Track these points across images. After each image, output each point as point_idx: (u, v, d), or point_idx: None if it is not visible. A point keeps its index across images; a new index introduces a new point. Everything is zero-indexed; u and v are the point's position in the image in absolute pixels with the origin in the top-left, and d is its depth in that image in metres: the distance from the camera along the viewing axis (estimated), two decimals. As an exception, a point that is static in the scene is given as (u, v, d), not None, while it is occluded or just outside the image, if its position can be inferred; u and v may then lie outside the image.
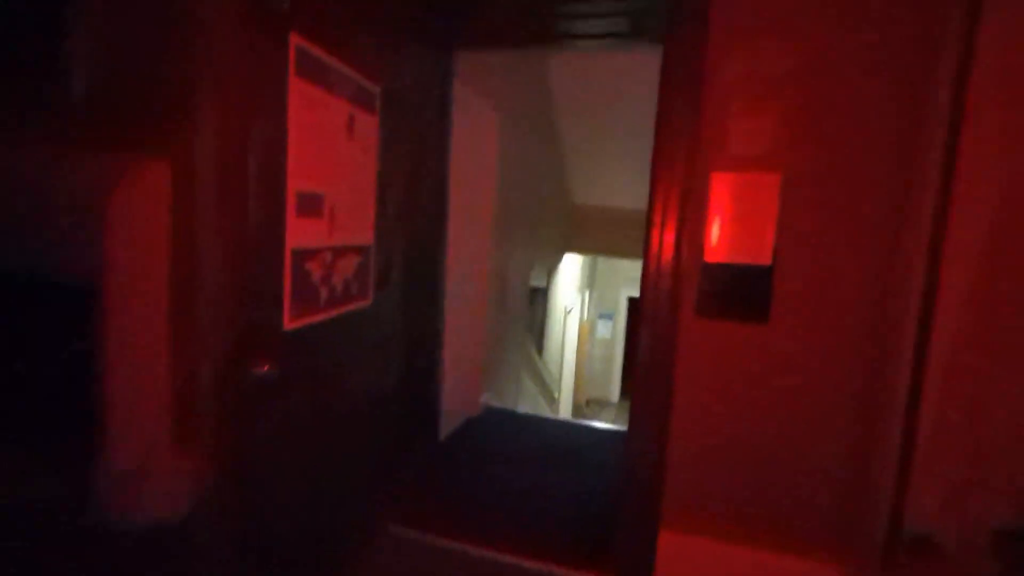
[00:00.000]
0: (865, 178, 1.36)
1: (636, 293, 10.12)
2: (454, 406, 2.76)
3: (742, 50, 1.42)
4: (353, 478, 1.65)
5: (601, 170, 5.60)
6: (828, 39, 1.36)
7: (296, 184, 1.19)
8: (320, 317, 1.33)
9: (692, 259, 1.49)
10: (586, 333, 9.78)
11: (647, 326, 1.57)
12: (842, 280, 1.39)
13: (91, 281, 1.25)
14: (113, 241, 1.23)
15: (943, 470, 1.22)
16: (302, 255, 1.23)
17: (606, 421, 9.22)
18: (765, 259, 1.44)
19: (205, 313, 1.06)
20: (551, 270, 6.44)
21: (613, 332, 10.67)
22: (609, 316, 10.67)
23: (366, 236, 1.54)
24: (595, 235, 6.49)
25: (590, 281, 10.08)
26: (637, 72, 3.61)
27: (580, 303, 9.08)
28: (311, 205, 1.26)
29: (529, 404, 5.16)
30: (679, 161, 1.51)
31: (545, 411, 5.77)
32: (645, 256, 1.58)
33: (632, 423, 1.65)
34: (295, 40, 1.15)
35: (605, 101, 4.45)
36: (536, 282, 5.55)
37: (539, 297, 6.11)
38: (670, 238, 1.53)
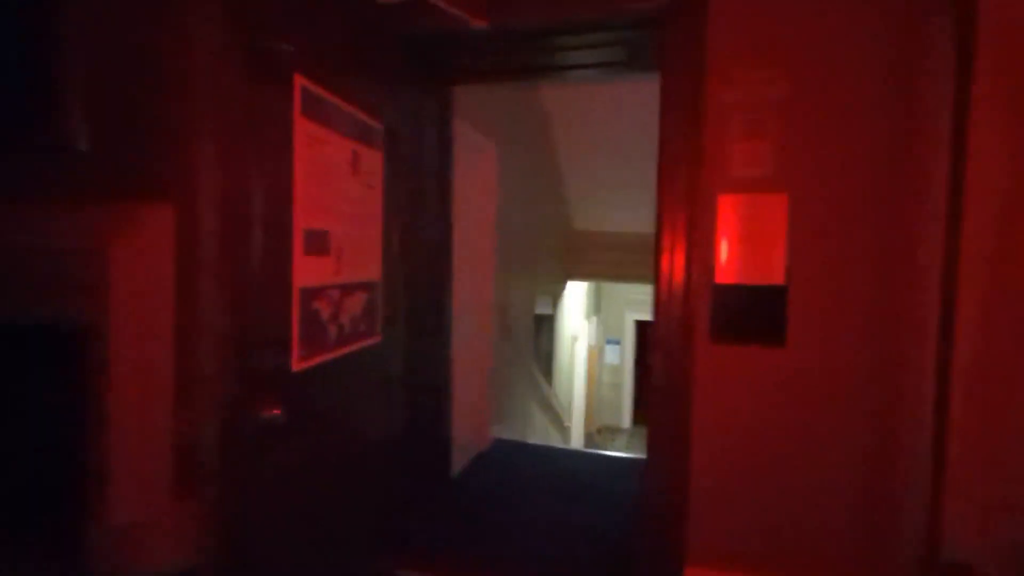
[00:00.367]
0: (874, 195, 1.35)
1: (642, 316, 10.12)
2: (464, 441, 2.71)
3: (740, 76, 1.43)
4: (362, 522, 1.60)
5: (601, 195, 5.63)
6: (824, 64, 1.37)
7: (303, 222, 1.19)
8: (328, 357, 1.31)
9: (703, 282, 1.47)
10: (594, 359, 9.69)
11: (661, 352, 1.54)
12: (858, 298, 1.36)
13: (94, 328, 1.23)
14: (117, 288, 1.22)
15: (976, 491, 1.17)
16: (310, 294, 1.22)
17: (619, 448, 9.05)
18: (778, 279, 1.42)
19: (211, 359, 1.03)
20: (556, 297, 6.42)
21: (621, 357, 10.57)
22: (616, 341, 10.59)
23: (373, 272, 1.53)
24: (597, 260, 6.49)
25: (596, 307, 10.05)
26: (634, 97, 3.67)
27: (587, 329, 9.03)
28: (318, 243, 1.25)
29: (539, 434, 5.07)
30: (684, 185, 1.51)
31: (556, 441, 5.66)
32: (656, 281, 1.56)
33: (650, 453, 1.60)
34: (299, 81, 1.16)
35: (603, 127, 4.51)
36: (541, 310, 5.53)
37: (545, 325, 6.07)
38: (680, 262, 1.51)
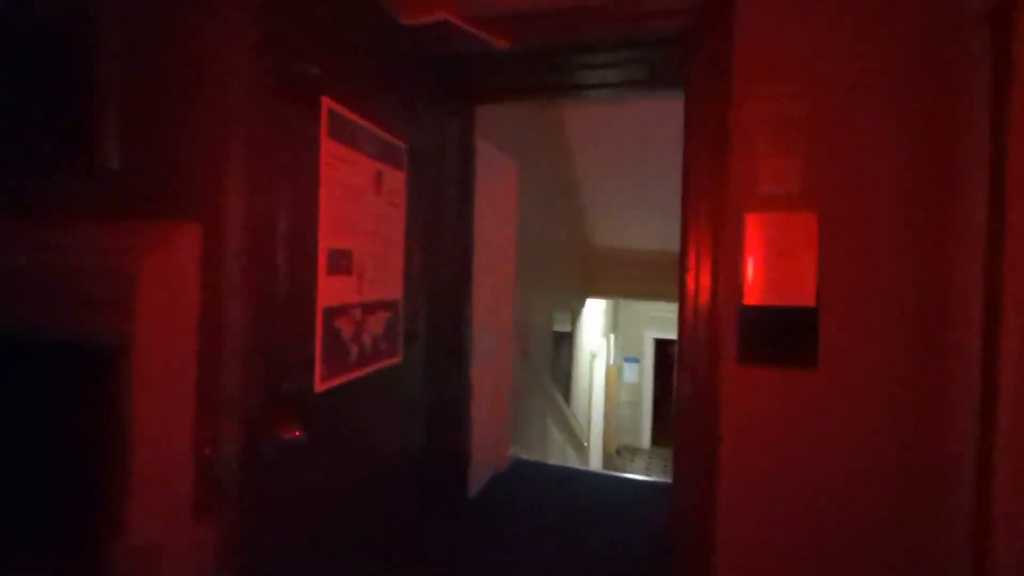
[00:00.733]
0: (908, 211, 1.31)
1: (662, 335, 9.97)
2: (482, 460, 2.67)
3: (766, 92, 1.41)
4: (380, 543, 1.57)
5: (620, 212, 5.62)
6: (853, 78, 1.35)
7: (327, 241, 1.19)
8: (351, 376, 1.30)
9: (730, 302, 1.44)
10: (613, 377, 9.56)
11: (686, 374, 1.50)
12: (895, 319, 1.31)
13: (121, 346, 1.24)
14: (144, 305, 1.23)
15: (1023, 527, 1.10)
16: (333, 313, 1.22)
17: (638, 469, 8.87)
18: (808, 300, 1.38)
19: (234, 378, 1.03)
20: (575, 314, 6.38)
21: (640, 376, 10.42)
22: (635, 359, 10.45)
23: (395, 291, 1.53)
24: (616, 277, 6.44)
25: (614, 324, 9.96)
26: (656, 115, 3.67)
27: (605, 347, 8.94)
28: (341, 262, 1.25)
29: (558, 454, 4.99)
30: (709, 204, 1.48)
31: (575, 461, 5.57)
32: (680, 301, 1.53)
33: (675, 479, 1.56)
34: (326, 103, 1.17)
35: (623, 144, 4.51)
36: (560, 327, 5.49)
37: (563, 342, 6.02)
38: (705, 281, 1.48)
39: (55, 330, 1.36)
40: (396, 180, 1.52)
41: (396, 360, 1.55)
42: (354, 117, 1.28)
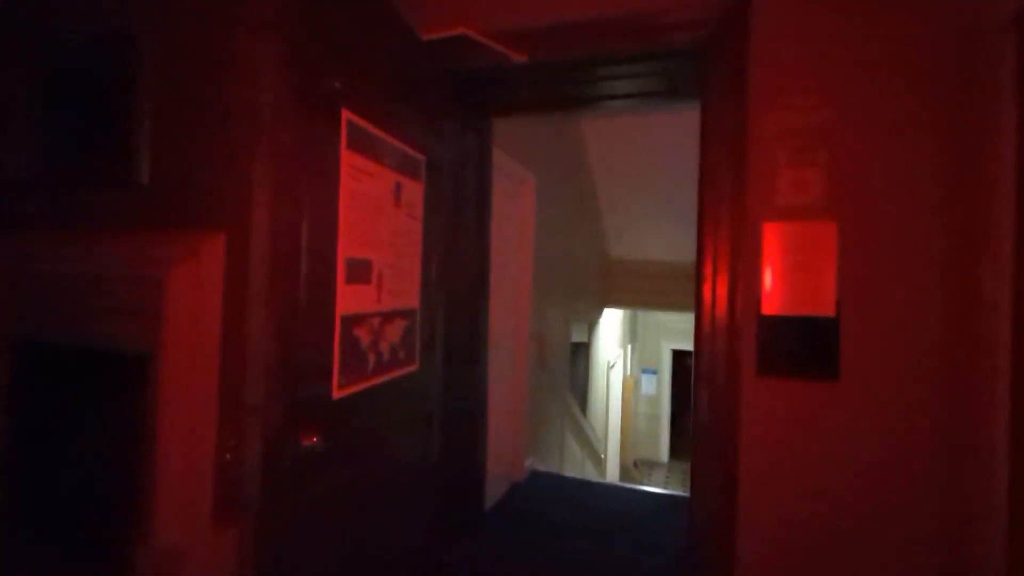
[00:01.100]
0: (933, 220, 1.29)
1: (680, 346, 9.85)
2: (498, 472, 2.66)
3: (785, 102, 1.41)
4: (395, 553, 1.58)
5: (638, 223, 5.60)
6: (874, 88, 1.34)
7: (346, 251, 1.21)
8: (368, 384, 1.31)
9: (748, 313, 1.42)
10: (630, 389, 9.46)
11: (705, 386, 1.49)
12: (919, 330, 1.29)
13: (149, 354, 1.28)
14: (170, 315, 1.27)
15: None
16: (351, 321, 1.24)
17: (656, 483, 8.73)
18: (828, 310, 1.36)
19: (255, 385, 1.05)
20: (591, 325, 6.35)
21: (658, 388, 10.30)
22: (653, 371, 10.34)
23: (412, 300, 1.54)
24: (633, 288, 6.41)
25: (631, 335, 9.87)
26: (673, 126, 3.67)
27: (622, 358, 8.86)
28: (360, 271, 1.27)
29: (575, 467, 4.95)
30: (726, 213, 1.48)
31: (592, 474, 5.51)
32: (697, 311, 1.52)
33: (694, 493, 1.53)
34: (346, 116, 1.20)
35: (640, 156, 4.51)
36: (577, 338, 5.46)
37: (580, 353, 5.99)
38: (723, 291, 1.47)
39: (85, 337, 1.40)
40: (415, 191, 1.54)
41: (413, 369, 1.56)
42: (374, 130, 1.31)
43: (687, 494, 1.70)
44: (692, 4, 1.51)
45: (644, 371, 10.38)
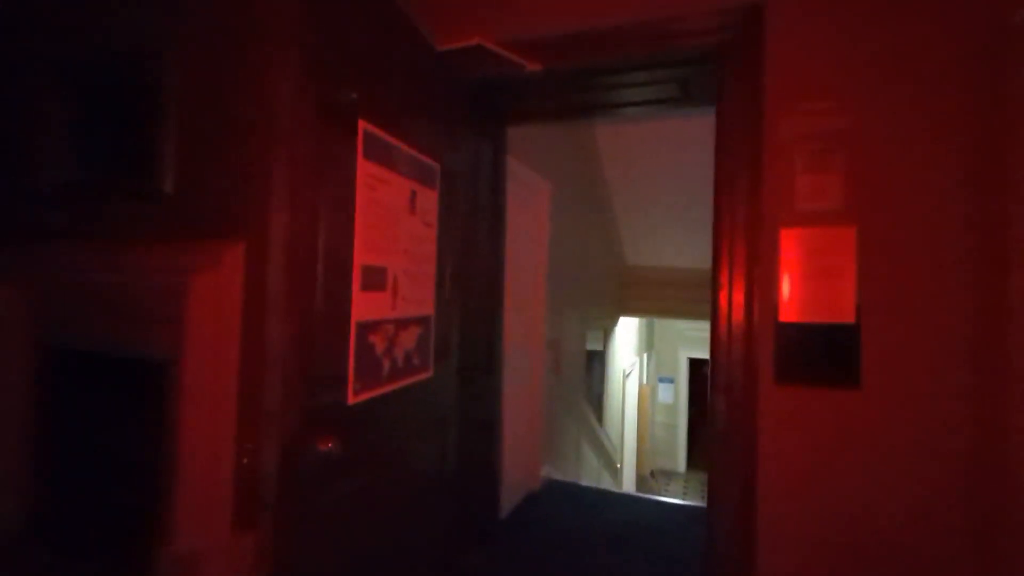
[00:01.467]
0: (954, 225, 1.26)
1: (696, 354, 9.74)
2: (514, 480, 2.65)
3: (802, 107, 1.39)
4: (410, 560, 1.58)
5: (654, 230, 5.57)
6: (894, 90, 1.32)
7: (362, 259, 1.23)
8: (383, 390, 1.32)
9: (765, 320, 1.40)
10: (646, 398, 9.37)
11: (722, 395, 1.47)
12: (944, 336, 1.26)
13: (172, 360, 1.31)
14: (192, 322, 1.29)
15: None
16: (366, 328, 1.25)
17: (674, 493, 8.60)
18: (848, 317, 1.34)
19: (273, 390, 1.07)
20: (607, 333, 6.31)
21: (675, 396, 10.17)
22: (670, 379, 10.22)
23: (427, 307, 1.55)
24: (650, 296, 6.36)
25: (648, 343, 9.78)
26: (689, 132, 3.65)
27: (639, 366, 8.78)
28: (375, 278, 1.29)
29: (591, 476, 4.90)
30: (742, 220, 1.46)
31: (608, 483, 5.45)
32: (714, 318, 1.50)
33: (712, 504, 1.51)
34: (363, 126, 1.22)
35: (656, 162, 4.49)
36: (592, 345, 5.43)
37: (596, 361, 5.95)
38: (739, 298, 1.45)
39: (111, 344, 1.44)
40: (429, 199, 1.56)
41: (427, 375, 1.57)
42: (389, 139, 1.33)
43: (705, 505, 1.68)
44: (706, 11, 1.51)
45: (661, 379, 10.27)
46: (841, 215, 1.35)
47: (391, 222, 1.35)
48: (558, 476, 3.51)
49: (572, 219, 4.14)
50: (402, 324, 1.41)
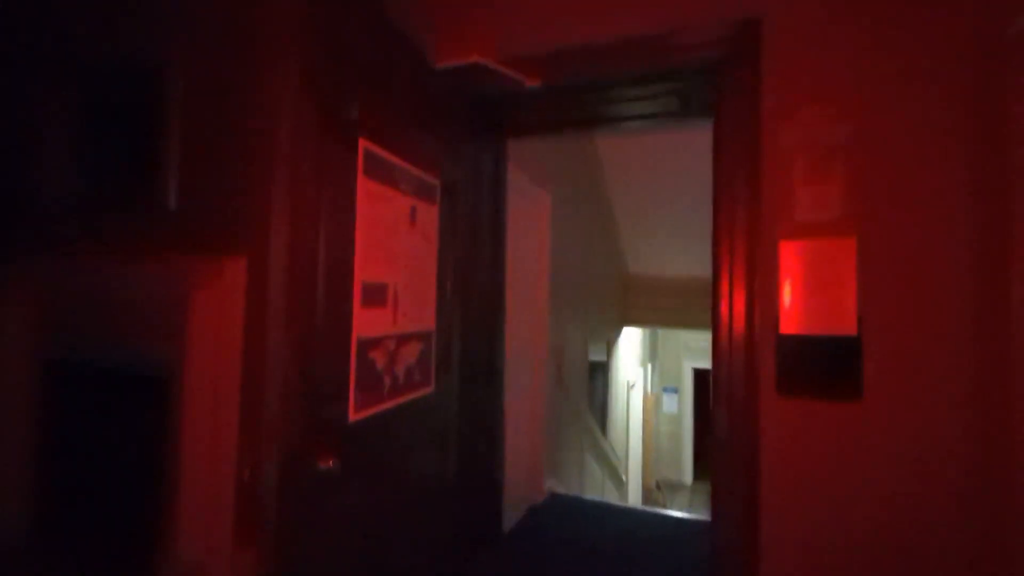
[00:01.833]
0: (956, 235, 1.26)
1: (701, 364, 9.70)
2: (517, 494, 2.63)
3: (800, 119, 1.40)
4: (415, 575, 1.57)
5: (656, 239, 5.57)
6: (892, 101, 1.33)
7: (362, 275, 1.24)
8: (384, 407, 1.32)
9: (766, 332, 1.40)
10: (651, 408, 9.31)
11: (724, 407, 1.46)
12: (944, 347, 1.25)
13: (173, 374, 1.31)
14: (194, 336, 1.30)
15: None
16: (367, 344, 1.25)
17: (680, 505, 8.52)
18: (849, 329, 1.33)
19: (273, 407, 1.07)
20: (610, 343, 6.29)
21: (680, 407, 10.11)
22: (674, 390, 10.17)
23: (428, 322, 1.56)
24: (653, 306, 6.35)
25: (652, 353, 9.75)
26: (690, 143, 3.67)
27: (643, 376, 8.74)
28: (376, 295, 1.29)
29: (595, 488, 4.86)
30: (741, 231, 1.47)
31: (613, 496, 5.40)
32: (715, 330, 1.50)
33: (715, 516, 1.50)
34: (363, 144, 1.24)
35: (657, 173, 4.51)
36: (595, 356, 5.41)
37: (599, 372, 5.93)
38: (740, 309, 1.45)
39: (114, 357, 1.44)
40: (430, 214, 1.57)
41: (429, 390, 1.57)
42: (389, 156, 1.34)
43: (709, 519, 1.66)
44: (702, 25, 1.52)
45: (665, 390, 10.21)
46: (841, 226, 1.35)
47: (391, 238, 1.36)
48: (562, 489, 3.48)
49: (574, 229, 4.15)
50: (403, 340, 1.41)
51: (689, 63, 1.61)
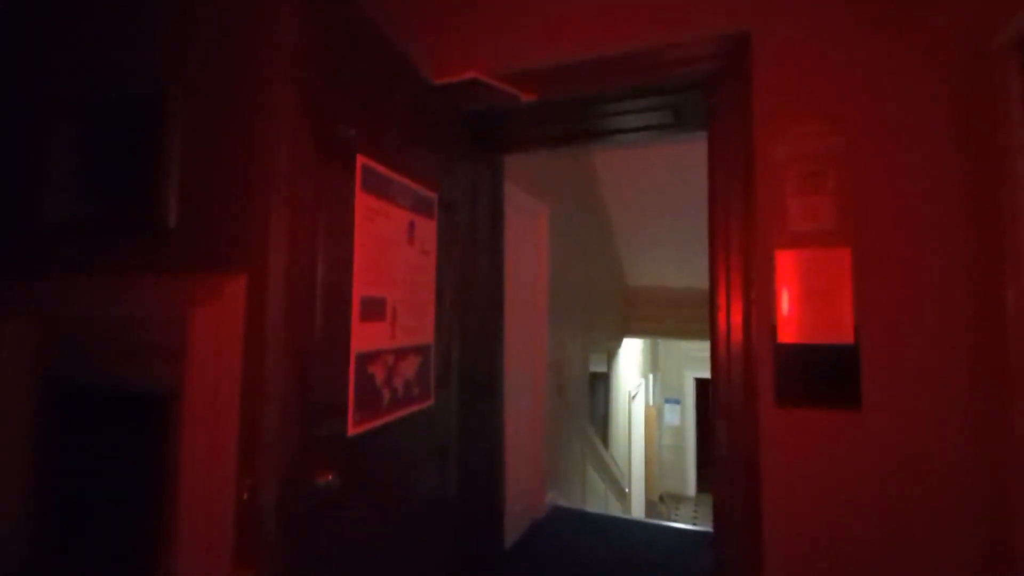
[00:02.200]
0: (950, 244, 1.27)
1: (702, 374, 9.69)
2: (518, 509, 2.61)
3: (792, 131, 1.42)
4: (416, 594, 1.55)
5: (655, 250, 5.59)
6: (883, 113, 1.35)
7: (361, 290, 1.24)
8: (382, 421, 1.32)
9: (764, 341, 1.41)
10: (653, 420, 9.26)
11: (724, 418, 1.46)
12: (942, 355, 1.26)
13: (172, 395, 1.31)
14: (193, 355, 1.30)
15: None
16: (365, 359, 1.26)
17: (684, 518, 8.44)
18: (847, 338, 1.34)
19: (273, 424, 1.07)
20: (611, 354, 6.28)
21: (682, 418, 10.06)
22: (676, 400, 10.12)
23: (427, 336, 1.56)
24: (653, 316, 6.35)
25: (653, 364, 9.72)
26: (687, 155, 3.70)
27: (644, 387, 8.71)
28: (374, 309, 1.30)
29: (598, 501, 4.82)
30: (736, 242, 1.48)
31: (616, 509, 5.36)
32: (713, 340, 1.50)
33: (717, 528, 1.49)
34: (361, 161, 1.25)
35: (654, 185, 4.54)
36: (596, 367, 5.40)
37: (600, 383, 5.91)
38: (738, 320, 1.46)
39: (113, 377, 1.45)
40: (428, 228, 1.58)
41: (428, 404, 1.57)
42: (387, 172, 1.36)
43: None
44: (695, 40, 1.55)
45: (667, 400, 10.17)
46: (835, 236, 1.37)
47: (390, 253, 1.37)
48: (564, 502, 3.45)
49: (572, 242, 4.17)
50: (402, 354, 1.41)
51: (682, 77, 1.64)
